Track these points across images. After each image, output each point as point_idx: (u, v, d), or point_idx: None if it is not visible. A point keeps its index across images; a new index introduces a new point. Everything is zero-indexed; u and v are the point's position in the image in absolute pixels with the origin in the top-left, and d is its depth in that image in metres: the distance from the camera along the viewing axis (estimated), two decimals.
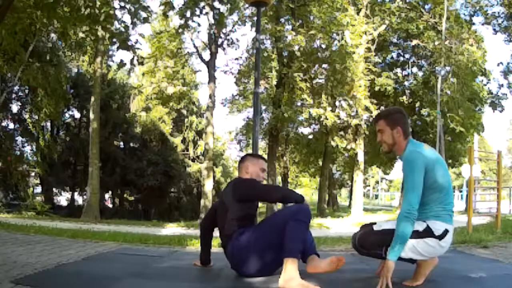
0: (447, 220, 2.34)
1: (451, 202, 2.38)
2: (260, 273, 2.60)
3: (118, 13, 6.64)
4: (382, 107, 19.48)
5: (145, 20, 6.83)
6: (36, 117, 19.29)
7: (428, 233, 2.29)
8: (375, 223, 2.51)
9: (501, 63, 19.26)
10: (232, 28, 17.22)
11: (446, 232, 2.31)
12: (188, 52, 19.48)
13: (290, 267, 2.30)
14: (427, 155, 2.34)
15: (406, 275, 2.44)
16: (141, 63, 7.44)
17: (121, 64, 7.15)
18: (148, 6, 6.75)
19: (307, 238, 2.64)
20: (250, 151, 14.71)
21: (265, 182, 2.93)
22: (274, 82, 15.52)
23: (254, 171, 2.85)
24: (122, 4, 6.53)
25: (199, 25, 17.26)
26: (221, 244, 2.83)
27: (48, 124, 21.51)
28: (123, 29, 6.75)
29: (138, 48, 7.00)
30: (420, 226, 2.31)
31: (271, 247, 2.49)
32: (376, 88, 16.26)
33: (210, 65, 17.15)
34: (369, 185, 54.07)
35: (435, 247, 2.31)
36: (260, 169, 2.88)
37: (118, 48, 6.93)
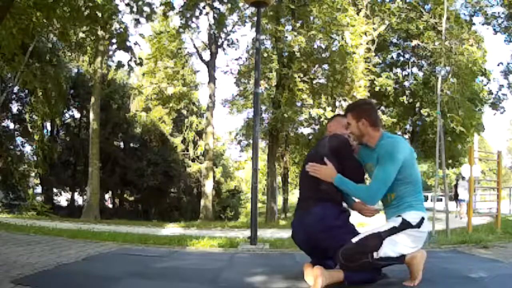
0: (421, 209, 2.42)
1: (421, 193, 2.49)
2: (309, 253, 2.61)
3: (121, 10, 6.65)
4: (382, 107, 19.54)
5: (148, 18, 6.83)
6: (36, 117, 19.30)
7: (405, 225, 2.35)
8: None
9: (501, 63, 19.26)
10: (232, 28, 17.26)
11: (422, 220, 2.39)
12: (188, 52, 19.51)
13: (337, 274, 2.31)
14: (406, 149, 2.44)
15: (406, 275, 2.44)
16: (140, 64, 7.46)
17: (120, 65, 7.16)
18: (153, 3, 6.76)
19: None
20: (250, 151, 14.71)
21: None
22: (274, 83, 15.52)
23: (336, 129, 2.77)
24: (126, 1, 6.53)
25: (198, 27, 17.24)
26: (305, 196, 2.62)
27: (48, 124, 21.53)
28: (122, 30, 6.76)
29: (137, 45, 7.01)
30: (395, 222, 2.36)
31: (331, 249, 2.42)
32: (376, 88, 16.25)
33: (210, 65, 17.16)
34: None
35: (416, 236, 2.36)
36: (341, 125, 2.75)
37: (116, 49, 6.94)
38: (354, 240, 2.37)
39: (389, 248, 2.30)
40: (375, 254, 2.29)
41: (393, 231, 2.33)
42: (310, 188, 2.57)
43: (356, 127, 2.54)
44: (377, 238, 2.32)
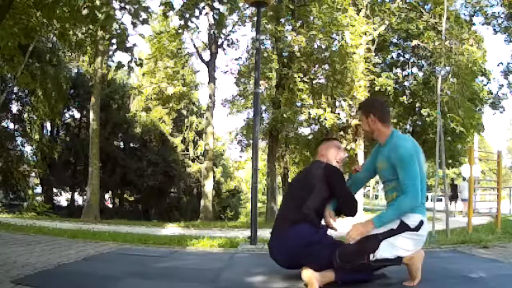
0: (421, 212, 2.40)
1: (424, 195, 2.45)
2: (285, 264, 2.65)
3: (118, 13, 6.64)
4: None
5: (145, 21, 6.83)
6: (35, 117, 19.29)
7: (403, 227, 2.34)
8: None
9: (501, 63, 19.27)
10: (232, 28, 17.24)
11: (421, 223, 2.38)
12: (188, 52, 19.49)
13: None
14: (417, 150, 2.45)
15: (406, 275, 2.44)
16: (140, 65, 7.45)
17: (119, 66, 7.15)
18: (149, 7, 6.75)
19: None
20: (250, 151, 14.70)
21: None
22: (274, 83, 15.50)
23: (329, 153, 2.82)
24: (123, 4, 6.53)
25: (197, 27, 17.22)
26: (284, 217, 2.70)
27: (48, 124, 21.53)
28: (121, 31, 6.75)
29: (135, 46, 6.99)
30: (393, 224, 2.36)
31: (313, 260, 2.46)
32: (376, 88, 16.23)
33: (210, 65, 17.16)
34: (369, 185, 54.01)
35: (413, 239, 2.35)
36: (335, 149, 2.84)
37: (115, 50, 6.93)
38: (351, 241, 2.38)
39: (386, 250, 2.30)
40: (371, 255, 2.29)
41: (391, 233, 2.33)
42: (292, 210, 2.64)
43: (366, 122, 2.59)
44: (375, 240, 2.32)
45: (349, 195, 2.69)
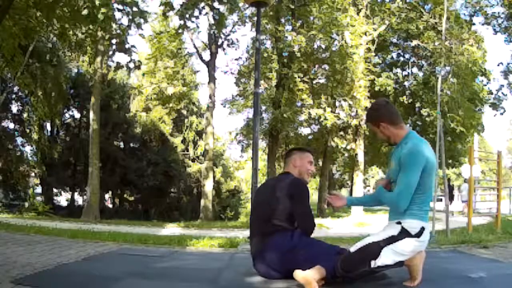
0: (422, 219, 2.38)
1: (428, 203, 2.44)
2: (268, 275, 2.61)
3: (117, 14, 6.65)
4: None
5: (139, 26, 6.85)
6: (35, 117, 19.29)
7: (404, 234, 2.33)
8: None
9: (501, 63, 19.24)
10: (232, 28, 17.25)
11: (422, 229, 2.36)
12: (188, 52, 19.51)
13: (317, 271, 2.34)
14: (429, 156, 2.38)
15: (406, 275, 2.44)
16: (138, 67, 7.47)
17: (118, 67, 7.16)
18: (145, 11, 6.77)
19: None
20: (250, 151, 14.70)
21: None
22: (274, 83, 15.51)
23: (302, 164, 2.82)
24: (120, 7, 6.54)
25: (197, 26, 17.25)
26: (256, 232, 2.74)
27: (48, 124, 21.52)
28: (120, 31, 6.77)
29: (134, 50, 7.02)
30: (394, 231, 2.35)
31: (299, 267, 2.44)
32: (376, 89, 16.23)
33: (210, 65, 17.16)
34: (369, 185, 54.03)
35: (414, 245, 2.34)
36: (308, 161, 2.85)
37: (115, 51, 6.95)
38: (353, 249, 2.38)
39: (388, 257, 2.30)
40: (373, 262, 2.29)
41: (391, 240, 2.32)
42: (262, 225, 2.66)
43: (380, 132, 2.56)
44: (376, 247, 2.31)
45: (308, 215, 2.69)
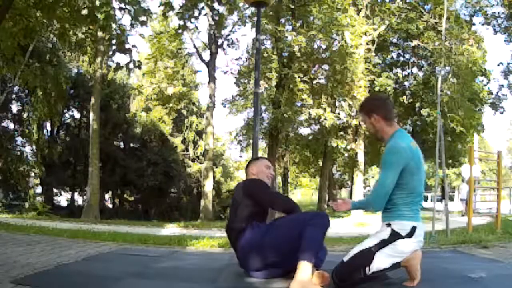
0: (412, 218, 2.34)
1: (418, 203, 2.40)
2: (263, 275, 2.59)
3: (117, 13, 6.65)
4: None
5: (143, 23, 6.84)
6: (34, 117, 19.29)
7: (395, 236, 2.31)
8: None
9: (501, 63, 19.29)
10: (232, 28, 17.26)
11: (414, 229, 2.32)
12: (188, 52, 19.52)
13: (304, 270, 2.29)
14: (411, 156, 2.33)
15: (406, 275, 2.44)
16: (138, 67, 7.46)
17: (118, 67, 7.16)
18: (148, 9, 6.77)
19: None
20: (250, 151, 14.69)
21: (270, 180, 2.95)
22: (274, 83, 15.51)
23: (259, 170, 2.90)
24: (122, 5, 6.54)
25: (197, 27, 17.22)
26: (230, 239, 2.82)
27: (48, 124, 21.51)
28: (120, 32, 6.77)
29: (135, 50, 7.01)
30: (385, 234, 2.33)
31: (279, 250, 2.48)
32: (376, 89, 16.25)
33: (210, 65, 17.16)
34: (369, 185, 53.96)
35: (407, 245, 2.31)
36: (264, 166, 2.93)
37: (114, 51, 6.94)
38: (346, 258, 2.37)
39: (382, 261, 2.28)
40: (367, 269, 2.27)
41: (383, 244, 2.30)
42: (231, 232, 2.75)
43: (370, 123, 2.52)
44: (368, 253, 2.30)
45: (276, 197, 2.82)
